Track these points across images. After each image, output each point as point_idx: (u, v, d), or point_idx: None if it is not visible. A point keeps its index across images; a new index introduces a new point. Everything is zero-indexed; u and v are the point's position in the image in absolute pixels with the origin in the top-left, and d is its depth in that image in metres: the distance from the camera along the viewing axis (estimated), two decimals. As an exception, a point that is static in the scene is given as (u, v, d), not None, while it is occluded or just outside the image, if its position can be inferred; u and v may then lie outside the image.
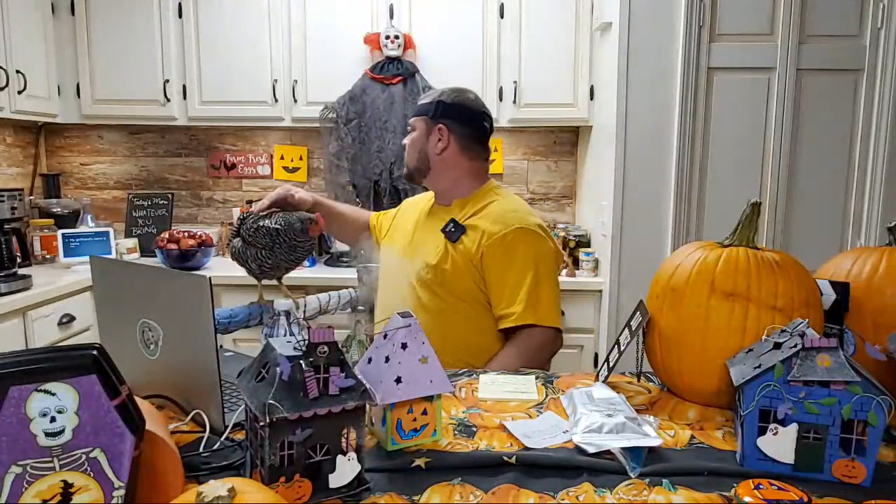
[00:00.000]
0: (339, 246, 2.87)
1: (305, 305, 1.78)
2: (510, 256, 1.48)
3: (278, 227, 1.46)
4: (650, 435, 0.92)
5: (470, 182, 1.61)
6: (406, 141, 1.64)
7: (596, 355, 2.64)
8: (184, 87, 2.84)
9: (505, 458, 0.87)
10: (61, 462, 0.63)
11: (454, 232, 1.53)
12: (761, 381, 0.84)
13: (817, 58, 2.43)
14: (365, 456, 0.80)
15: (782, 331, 0.91)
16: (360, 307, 1.97)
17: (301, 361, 0.75)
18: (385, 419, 0.90)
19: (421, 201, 1.73)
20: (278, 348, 0.79)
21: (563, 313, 2.55)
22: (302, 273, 2.67)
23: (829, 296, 1.07)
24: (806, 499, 0.77)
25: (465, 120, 1.59)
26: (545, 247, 1.53)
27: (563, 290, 2.53)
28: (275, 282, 1.60)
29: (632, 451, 0.88)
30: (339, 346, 0.78)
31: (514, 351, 1.46)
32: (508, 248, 1.48)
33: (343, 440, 0.78)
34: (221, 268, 2.75)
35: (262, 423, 0.73)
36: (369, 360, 0.95)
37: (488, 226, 1.50)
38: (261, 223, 1.49)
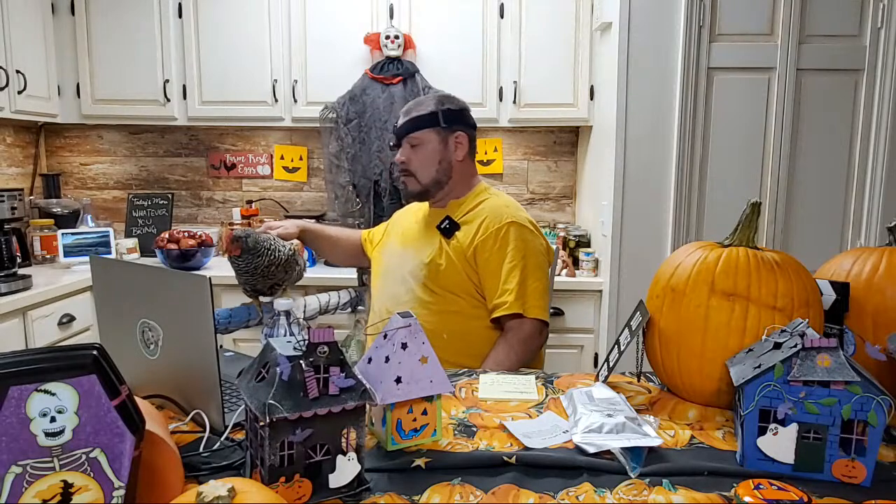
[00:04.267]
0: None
1: (305, 305, 1.78)
2: (502, 249, 1.53)
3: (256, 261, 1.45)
4: (650, 435, 0.92)
5: (467, 182, 1.66)
6: (403, 158, 1.61)
7: (596, 355, 2.64)
8: (184, 87, 2.84)
9: (505, 458, 0.87)
10: (61, 462, 0.63)
11: (449, 229, 1.57)
12: (761, 381, 0.84)
13: (817, 58, 2.43)
14: (365, 456, 0.80)
15: (782, 331, 0.91)
16: (360, 307, 1.97)
17: (301, 361, 0.75)
18: (385, 419, 0.90)
19: (412, 208, 1.77)
20: (278, 348, 0.79)
21: (562, 311, 2.58)
22: (302, 273, 2.67)
23: (829, 296, 1.07)
24: (806, 499, 0.77)
25: (471, 123, 1.65)
26: (535, 241, 1.58)
27: (563, 289, 2.57)
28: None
29: (632, 451, 0.88)
30: (339, 346, 0.78)
31: (504, 345, 1.51)
32: (500, 242, 1.53)
33: (343, 440, 0.78)
34: (221, 268, 2.75)
35: (262, 423, 0.73)
36: (369, 360, 0.95)
37: (481, 221, 1.55)
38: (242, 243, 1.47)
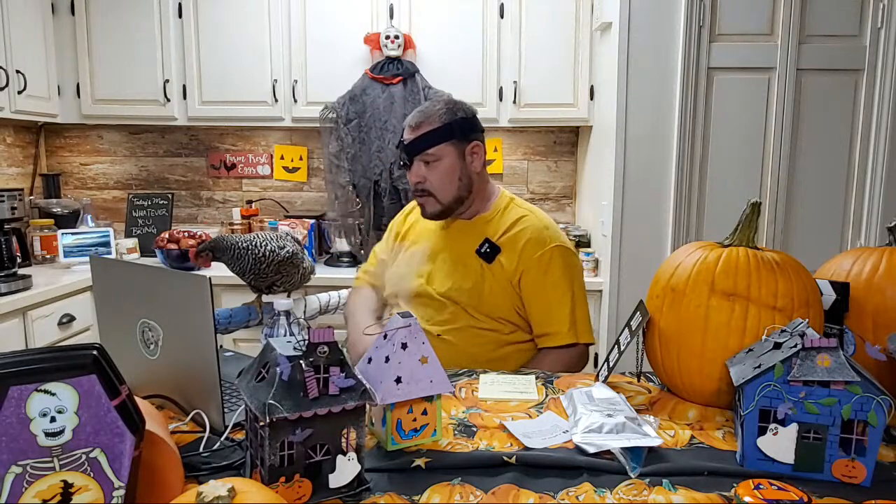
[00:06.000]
0: (340, 246, 2.87)
1: (305, 305, 1.78)
2: (548, 275, 1.48)
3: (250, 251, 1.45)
4: (650, 435, 0.92)
5: (485, 191, 1.57)
6: (419, 178, 1.48)
7: (596, 355, 2.64)
8: (184, 87, 2.84)
9: (505, 458, 0.87)
10: (61, 462, 0.63)
11: (489, 253, 1.49)
12: (761, 381, 0.85)
13: (817, 58, 2.43)
14: (365, 456, 0.80)
15: (782, 331, 0.91)
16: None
17: (301, 361, 0.75)
18: (385, 419, 0.90)
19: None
20: (278, 348, 0.79)
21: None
22: (302, 273, 2.67)
23: (829, 296, 1.07)
24: (806, 499, 0.77)
25: (481, 128, 1.54)
26: (577, 262, 1.55)
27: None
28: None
29: (632, 451, 0.88)
30: (339, 346, 0.79)
31: (548, 364, 1.45)
32: (548, 268, 1.48)
33: (343, 440, 0.78)
34: (221, 268, 2.73)
35: (262, 423, 0.73)
36: (369, 360, 0.95)
37: (523, 244, 1.49)
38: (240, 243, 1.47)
